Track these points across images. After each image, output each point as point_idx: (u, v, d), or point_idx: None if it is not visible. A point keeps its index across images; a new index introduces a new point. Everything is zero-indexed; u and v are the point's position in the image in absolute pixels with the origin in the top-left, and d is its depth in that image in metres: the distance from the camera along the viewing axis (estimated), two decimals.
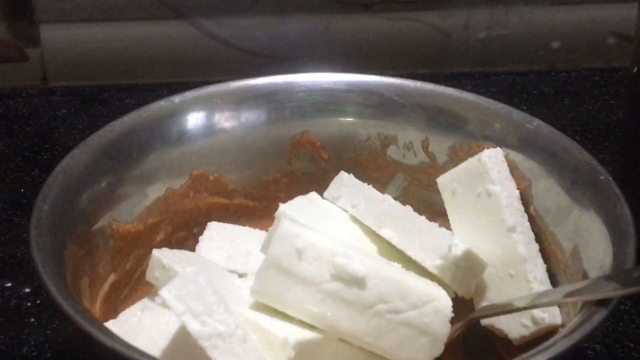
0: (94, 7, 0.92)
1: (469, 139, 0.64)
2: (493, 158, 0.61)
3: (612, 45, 0.97)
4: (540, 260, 0.58)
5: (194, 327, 0.48)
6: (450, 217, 0.62)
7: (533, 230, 0.60)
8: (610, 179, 0.57)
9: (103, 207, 0.59)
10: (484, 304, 0.58)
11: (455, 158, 0.64)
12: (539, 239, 0.59)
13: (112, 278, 0.60)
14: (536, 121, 0.62)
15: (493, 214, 0.59)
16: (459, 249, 0.55)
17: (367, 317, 0.52)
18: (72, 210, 0.56)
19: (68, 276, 0.53)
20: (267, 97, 0.66)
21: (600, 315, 0.48)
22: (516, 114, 0.63)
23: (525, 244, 0.58)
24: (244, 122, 0.66)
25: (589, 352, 0.64)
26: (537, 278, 0.57)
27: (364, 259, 0.53)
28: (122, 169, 0.61)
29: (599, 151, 0.81)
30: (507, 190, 0.60)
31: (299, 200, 0.61)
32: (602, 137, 0.86)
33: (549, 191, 0.60)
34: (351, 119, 0.67)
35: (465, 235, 0.59)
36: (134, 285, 0.61)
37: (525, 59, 0.97)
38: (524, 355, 0.47)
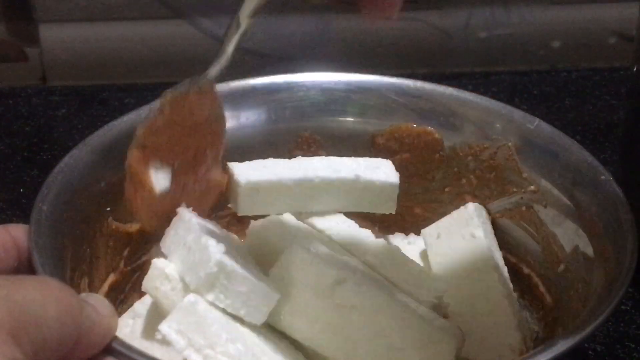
0: (94, 6, 0.92)
1: (469, 139, 0.64)
2: (478, 211, 0.61)
3: (613, 45, 0.97)
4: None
5: None
6: (431, 259, 0.61)
7: (533, 230, 0.59)
8: (611, 178, 0.57)
9: (103, 207, 0.59)
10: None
11: (456, 158, 0.64)
12: (538, 238, 0.59)
13: (111, 278, 0.60)
14: (537, 121, 0.62)
15: (477, 254, 0.59)
16: None
17: (362, 347, 0.51)
18: (72, 211, 0.56)
19: (68, 277, 0.53)
20: (267, 97, 0.66)
21: (601, 315, 0.48)
22: (517, 114, 0.63)
23: (507, 284, 0.58)
24: (244, 122, 0.65)
25: (590, 352, 0.64)
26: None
27: (368, 288, 0.52)
28: (122, 169, 0.60)
29: (599, 151, 0.80)
30: (491, 240, 0.60)
31: (270, 219, 0.60)
32: (603, 137, 0.86)
33: (550, 191, 0.60)
34: (351, 119, 0.67)
35: (445, 274, 0.59)
36: (133, 286, 0.61)
37: (525, 59, 0.97)
38: (525, 356, 0.47)
